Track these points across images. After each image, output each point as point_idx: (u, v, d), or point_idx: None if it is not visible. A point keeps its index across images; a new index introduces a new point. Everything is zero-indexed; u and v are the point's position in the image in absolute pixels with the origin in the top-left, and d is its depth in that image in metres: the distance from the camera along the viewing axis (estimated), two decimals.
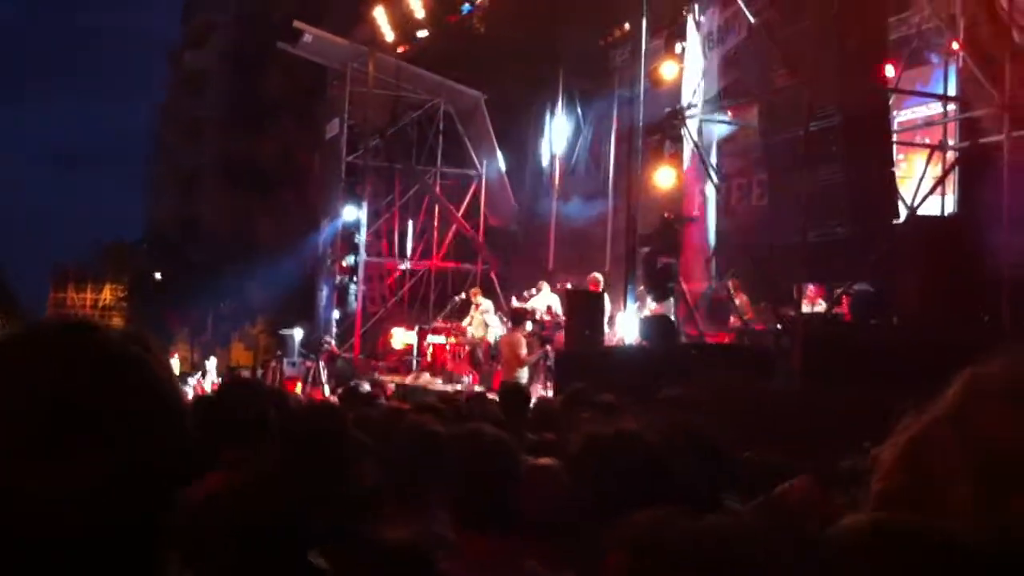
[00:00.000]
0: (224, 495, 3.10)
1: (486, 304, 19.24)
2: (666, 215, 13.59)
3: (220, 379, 23.73)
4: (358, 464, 3.38)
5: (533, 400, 7.95)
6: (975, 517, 1.46)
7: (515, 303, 17.66)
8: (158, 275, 46.59)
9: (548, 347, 15.27)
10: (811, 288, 12.89)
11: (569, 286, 16.51)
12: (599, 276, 16.12)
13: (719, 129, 14.65)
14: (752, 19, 12.71)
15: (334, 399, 10.58)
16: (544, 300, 17.09)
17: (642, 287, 13.79)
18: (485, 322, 18.59)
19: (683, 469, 2.93)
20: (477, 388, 15.18)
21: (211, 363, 28.46)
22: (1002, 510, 1.47)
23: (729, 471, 3.66)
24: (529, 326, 15.34)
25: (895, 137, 12.80)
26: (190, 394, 18.44)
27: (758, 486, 4.93)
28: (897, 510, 1.51)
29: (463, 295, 21.22)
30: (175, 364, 30.16)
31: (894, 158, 11.91)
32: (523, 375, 14.25)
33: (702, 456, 3.22)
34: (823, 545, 1.37)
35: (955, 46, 12.58)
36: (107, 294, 62.91)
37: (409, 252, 26.34)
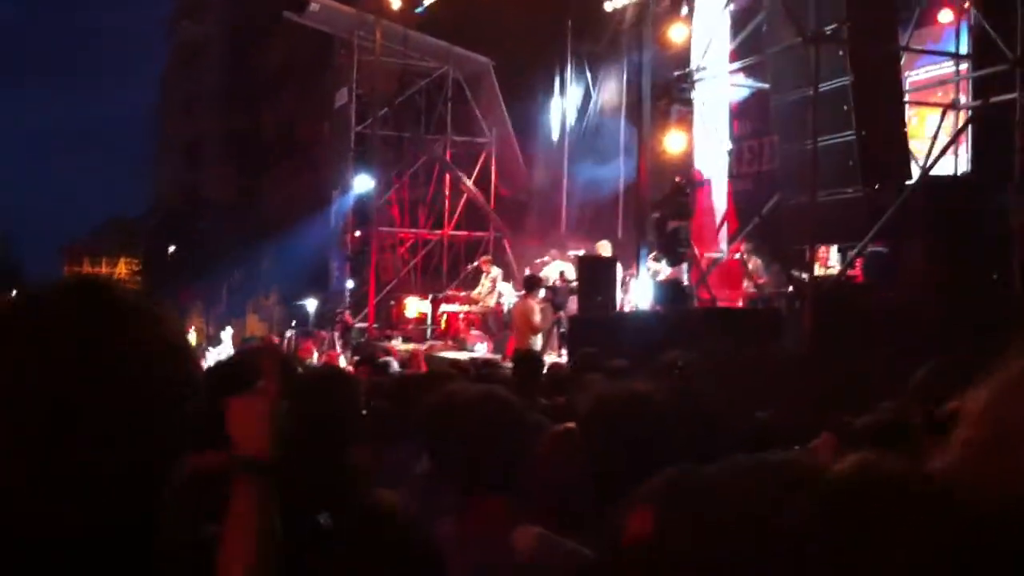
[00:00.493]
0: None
1: (495, 272, 19.25)
2: (676, 179, 13.54)
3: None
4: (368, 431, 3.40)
5: (546, 366, 7.99)
6: None
7: (527, 271, 17.67)
8: (171, 248, 46.72)
9: (561, 314, 15.28)
10: (824, 250, 12.85)
11: (582, 252, 16.50)
12: (607, 243, 16.12)
13: (729, 92, 14.56)
14: None
15: (350, 368, 10.63)
16: (556, 267, 17.09)
17: (654, 252, 13.78)
18: (497, 290, 18.62)
19: (682, 432, 2.94)
20: (491, 355, 15.22)
21: (226, 334, 28.60)
22: None
23: (729, 436, 3.66)
24: (542, 293, 15.35)
25: (906, 96, 12.71)
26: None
27: (771, 447, 4.97)
28: (983, 461, 1.51)
29: (475, 263, 21.23)
30: (191, 336, 30.31)
31: (905, 118, 11.83)
32: (537, 342, 14.28)
33: (699, 421, 3.23)
34: (815, 489, 1.38)
35: (966, 3, 12.45)
36: (122, 268, 63.17)
37: (421, 221, 26.34)
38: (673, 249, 13.01)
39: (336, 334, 21.65)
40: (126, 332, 1.20)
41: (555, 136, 22.92)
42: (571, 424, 3.54)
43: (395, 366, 9.37)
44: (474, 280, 20.52)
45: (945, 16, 14.05)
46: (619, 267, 14.49)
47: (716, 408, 3.29)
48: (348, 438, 3.24)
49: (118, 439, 1.16)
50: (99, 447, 1.16)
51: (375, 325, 22.83)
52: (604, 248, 15.84)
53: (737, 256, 13.58)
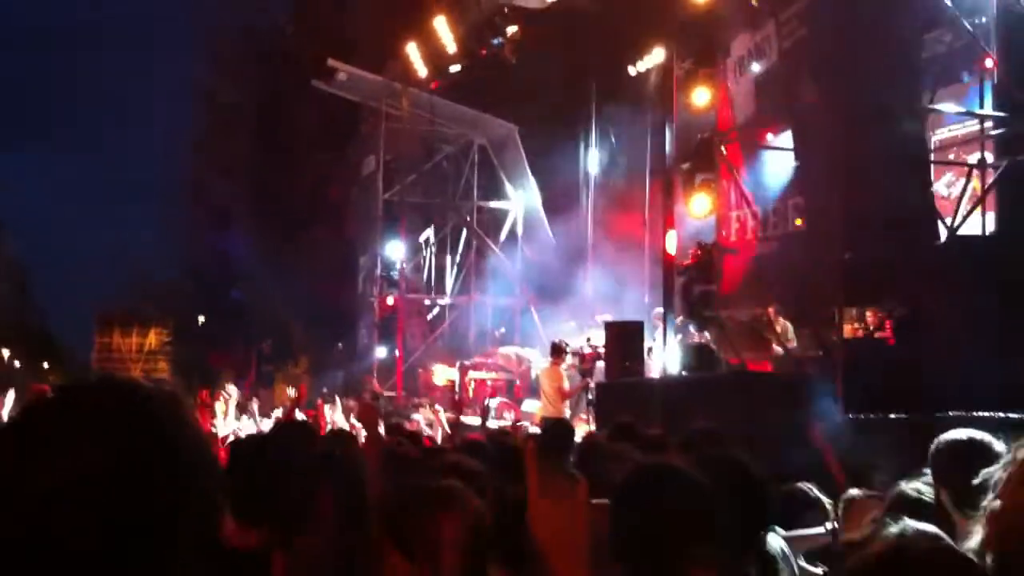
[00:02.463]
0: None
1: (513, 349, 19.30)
2: (702, 243, 13.50)
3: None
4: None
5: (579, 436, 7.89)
6: None
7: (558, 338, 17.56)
8: (201, 318, 46.98)
9: (589, 380, 15.18)
10: (854, 312, 12.74)
11: (608, 318, 16.44)
12: (660, 310, 16.07)
13: (754, 154, 14.55)
14: (781, 42, 12.66)
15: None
16: (584, 333, 17.04)
17: (681, 316, 13.69)
18: (524, 357, 18.56)
19: (723, 505, 2.90)
20: (521, 423, 15.10)
21: (254, 405, 28.50)
22: None
23: (769, 506, 3.59)
24: (569, 359, 15.28)
25: (932, 156, 12.67)
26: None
27: (800, 517, 4.86)
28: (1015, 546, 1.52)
29: (503, 330, 21.22)
30: (220, 407, 30.29)
31: (931, 178, 11.77)
32: (564, 409, 14.19)
33: (741, 492, 3.19)
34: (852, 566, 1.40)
35: (988, 63, 12.44)
36: (152, 338, 63.49)
37: (448, 287, 26.40)
38: (700, 313, 12.93)
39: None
40: (152, 435, 1.22)
41: (581, 199, 23.00)
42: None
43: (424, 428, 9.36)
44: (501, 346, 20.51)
45: (968, 76, 14.06)
46: (647, 332, 14.42)
47: (756, 479, 3.25)
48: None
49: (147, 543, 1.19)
50: (130, 548, 1.17)
51: (403, 392, 22.79)
52: (659, 315, 15.70)
53: (765, 319, 13.47)
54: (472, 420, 15.29)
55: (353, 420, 10.49)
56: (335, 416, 12.56)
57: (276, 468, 3.44)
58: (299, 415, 10.88)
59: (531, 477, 4.36)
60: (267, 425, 12.97)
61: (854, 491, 4.78)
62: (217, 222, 53.14)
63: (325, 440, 6.25)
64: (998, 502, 1.67)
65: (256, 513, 3.36)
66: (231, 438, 10.48)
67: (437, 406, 15.97)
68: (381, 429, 6.77)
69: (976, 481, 1.87)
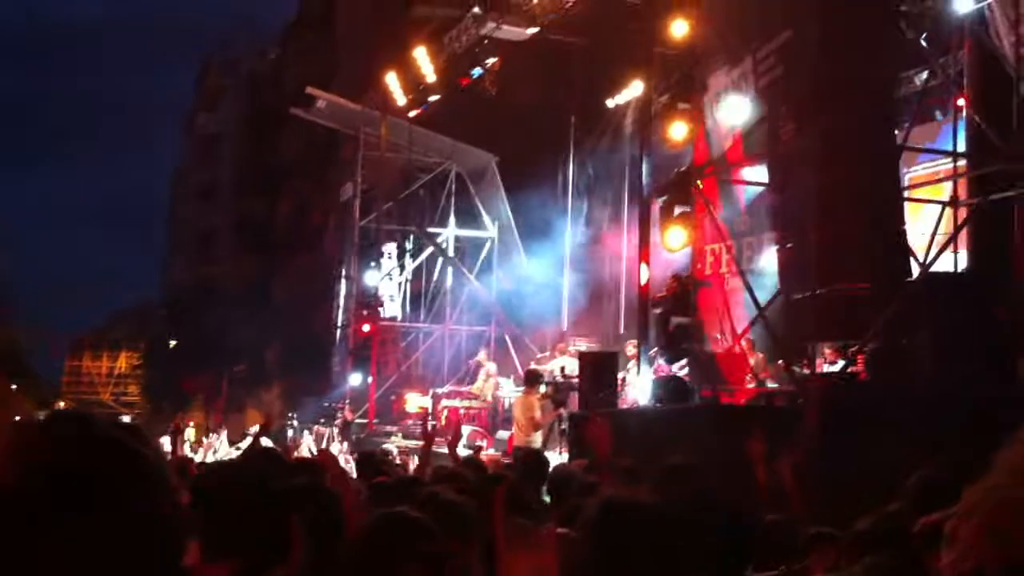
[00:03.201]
0: None
1: (490, 366, 19.22)
2: (678, 275, 13.56)
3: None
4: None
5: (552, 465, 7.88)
6: None
7: (532, 365, 17.59)
8: (173, 341, 46.69)
9: (562, 410, 15.17)
10: (828, 347, 12.82)
11: (584, 347, 16.46)
12: (634, 343, 16.12)
13: (728, 189, 14.68)
14: (758, 79, 12.80)
15: (350, 466, 10.51)
16: (558, 362, 17.04)
17: (655, 348, 13.72)
18: (496, 384, 18.53)
19: (703, 538, 2.91)
20: (491, 452, 15.09)
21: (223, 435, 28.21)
22: None
23: (751, 540, 3.60)
24: (543, 388, 15.27)
25: (905, 194, 12.81)
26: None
27: (780, 551, 4.86)
28: None
29: (477, 358, 21.19)
30: (190, 432, 30.07)
31: (904, 215, 11.89)
32: (537, 439, 14.17)
33: (724, 525, 3.20)
34: None
35: (961, 102, 12.62)
36: (123, 362, 62.98)
37: (423, 315, 26.37)
38: (675, 345, 12.96)
39: (335, 429, 21.49)
40: (102, 470, 1.22)
41: (557, 230, 23.06)
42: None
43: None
44: (475, 375, 20.46)
45: (941, 114, 14.25)
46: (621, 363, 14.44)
47: (732, 514, 3.26)
48: None
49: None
50: None
51: (375, 420, 22.70)
52: (630, 348, 15.77)
53: (739, 352, 13.53)
54: (444, 449, 15.23)
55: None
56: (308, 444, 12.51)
57: (245, 497, 3.36)
58: (266, 442, 10.75)
59: (498, 528, 4.34)
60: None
61: (816, 529, 4.78)
62: (194, 246, 53.01)
63: (294, 469, 6.21)
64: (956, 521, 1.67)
65: (226, 544, 3.29)
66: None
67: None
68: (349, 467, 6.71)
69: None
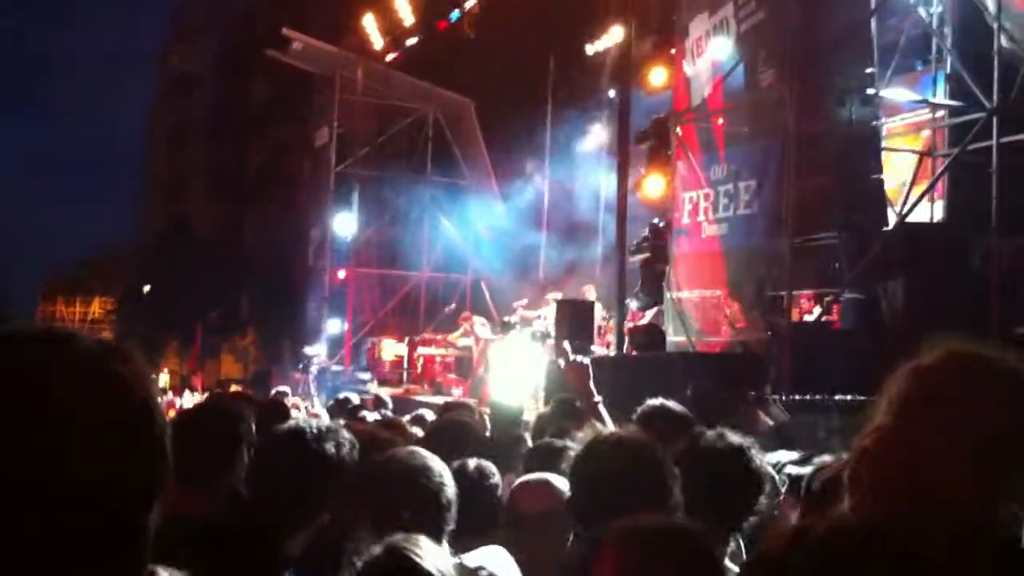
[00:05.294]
0: (198, 517, 3.02)
1: (477, 320, 19.22)
2: (656, 222, 13.54)
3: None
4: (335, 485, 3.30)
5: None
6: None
7: (521, 312, 17.49)
8: (147, 288, 46.40)
9: None
10: (804, 296, 12.84)
11: (560, 295, 16.42)
12: (592, 288, 16.08)
13: (707, 136, 14.59)
14: (739, 24, 12.68)
15: (323, 412, 10.48)
16: (548, 310, 16.99)
17: (634, 294, 13.74)
18: (475, 333, 18.50)
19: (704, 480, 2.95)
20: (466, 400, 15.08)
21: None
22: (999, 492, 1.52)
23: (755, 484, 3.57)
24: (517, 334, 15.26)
25: (883, 143, 12.77)
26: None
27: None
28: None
29: (453, 306, 21.16)
30: (163, 379, 29.96)
31: (882, 164, 11.87)
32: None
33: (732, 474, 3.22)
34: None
35: (942, 52, 12.55)
36: (96, 307, 62.62)
37: (399, 262, 26.27)
38: (650, 292, 12.97)
39: (311, 376, 21.46)
40: (84, 395, 1.14)
41: (536, 177, 22.96)
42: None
43: (355, 399, 9.30)
44: (452, 323, 20.44)
45: (921, 64, 14.17)
46: (597, 311, 14.42)
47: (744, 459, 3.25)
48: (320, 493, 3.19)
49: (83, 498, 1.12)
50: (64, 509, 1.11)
51: (351, 367, 22.68)
52: (589, 293, 15.78)
53: (715, 301, 13.54)
54: (424, 397, 15.26)
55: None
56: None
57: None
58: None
59: None
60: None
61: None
62: (173, 190, 52.46)
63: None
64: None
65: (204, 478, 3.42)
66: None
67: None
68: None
69: None
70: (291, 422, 3.64)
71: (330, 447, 3.28)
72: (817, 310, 11.81)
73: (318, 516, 3.20)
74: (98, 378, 1.16)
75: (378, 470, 3.08)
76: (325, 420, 4.17)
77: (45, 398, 1.12)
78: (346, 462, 3.29)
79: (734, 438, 3.32)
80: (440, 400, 15.00)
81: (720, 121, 14.27)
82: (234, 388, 22.62)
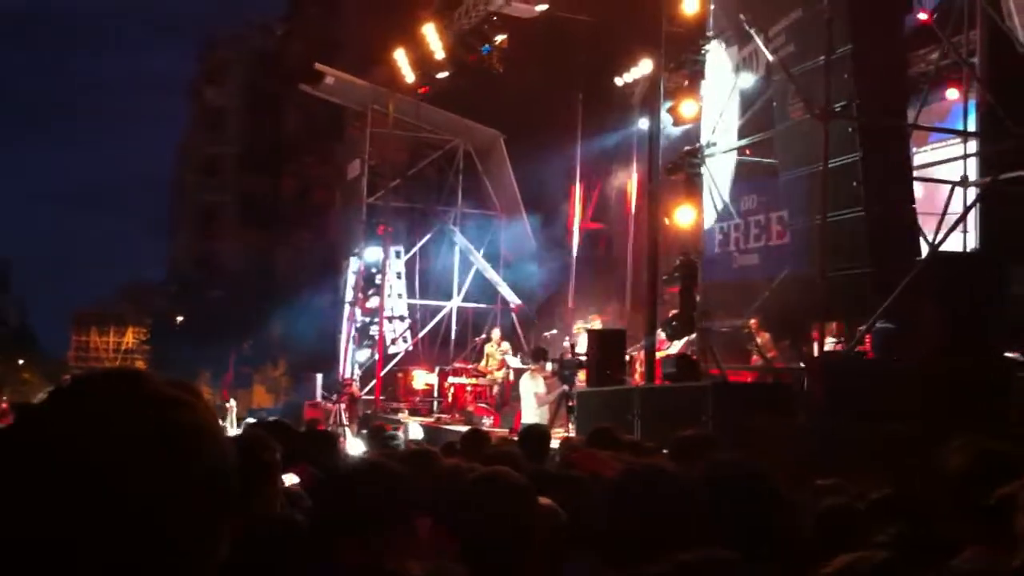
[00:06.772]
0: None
1: (505, 346, 19.28)
2: (684, 254, 13.58)
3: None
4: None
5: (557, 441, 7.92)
6: None
7: (565, 341, 17.54)
8: (180, 318, 46.78)
9: (567, 387, 15.17)
10: (834, 326, 12.82)
11: (597, 324, 16.49)
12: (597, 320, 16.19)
13: (737, 167, 14.65)
14: (770, 56, 12.74)
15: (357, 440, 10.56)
16: (583, 339, 17.04)
17: (665, 324, 13.76)
18: (505, 362, 18.56)
19: (727, 510, 2.90)
20: (497, 430, 15.13)
21: (231, 405, 28.43)
22: None
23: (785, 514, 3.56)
24: (549, 366, 15.29)
25: (915, 174, 12.77)
26: None
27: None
28: None
29: (484, 335, 21.22)
30: None
31: (914, 195, 11.87)
32: (543, 415, 14.20)
33: (757, 501, 3.15)
34: None
35: (972, 82, 12.57)
36: (129, 337, 63.13)
37: (430, 293, 26.39)
38: (682, 321, 12.99)
39: (342, 406, 21.56)
40: (164, 423, 1.18)
41: (566, 208, 23.06)
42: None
43: (401, 439, 9.29)
44: (481, 352, 20.50)
45: (952, 94, 14.19)
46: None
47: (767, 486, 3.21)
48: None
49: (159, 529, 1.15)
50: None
51: (381, 397, 22.76)
52: (595, 323, 15.89)
53: (747, 331, 13.55)
54: (453, 427, 15.31)
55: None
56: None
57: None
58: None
59: None
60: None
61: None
62: (200, 223, 52.95)
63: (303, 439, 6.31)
64: None
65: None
66: None
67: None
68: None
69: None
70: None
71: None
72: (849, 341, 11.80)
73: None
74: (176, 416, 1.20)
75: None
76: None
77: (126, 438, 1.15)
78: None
79: (755, 464, 3.27)
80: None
81: (750, 152, 14.34)
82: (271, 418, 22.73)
